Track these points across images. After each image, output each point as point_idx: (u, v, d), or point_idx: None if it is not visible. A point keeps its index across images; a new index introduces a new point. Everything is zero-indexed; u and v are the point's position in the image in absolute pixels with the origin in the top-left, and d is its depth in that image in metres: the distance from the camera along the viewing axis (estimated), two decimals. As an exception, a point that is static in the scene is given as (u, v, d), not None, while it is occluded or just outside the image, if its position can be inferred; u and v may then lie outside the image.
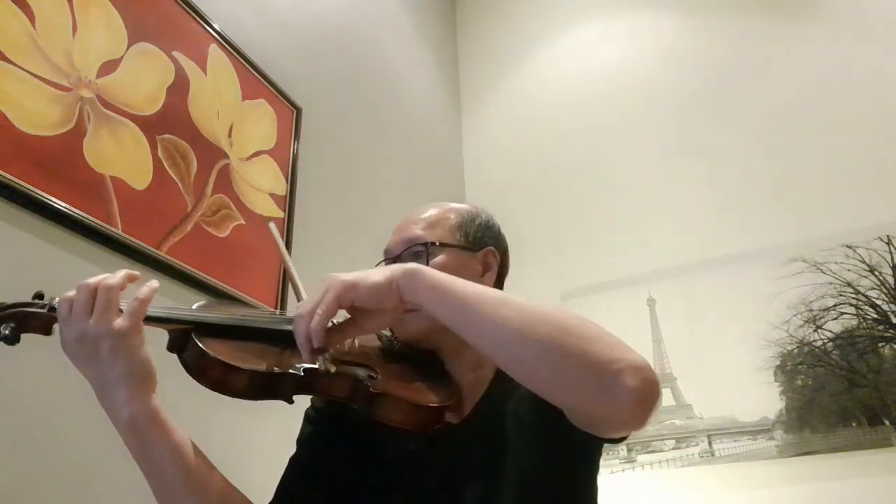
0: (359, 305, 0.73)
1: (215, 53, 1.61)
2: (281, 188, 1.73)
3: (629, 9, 2.82)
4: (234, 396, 0.73)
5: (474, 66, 3.14)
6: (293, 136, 1.83)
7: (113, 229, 1.24)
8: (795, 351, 2.03)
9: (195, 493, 0.74)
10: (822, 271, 2.07)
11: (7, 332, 0.68)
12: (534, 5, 3.06)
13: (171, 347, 0.76)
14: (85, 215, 1.18)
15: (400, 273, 0.72)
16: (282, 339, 0.77)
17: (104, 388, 0.72)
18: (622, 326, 2.49)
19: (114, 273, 0.74)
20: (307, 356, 0.71)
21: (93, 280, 0.72)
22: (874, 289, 1.99)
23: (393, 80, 2.56)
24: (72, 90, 1.23)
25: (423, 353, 0.88)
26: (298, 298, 0.83)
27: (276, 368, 0.74)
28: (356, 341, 0.84)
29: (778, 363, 2.03)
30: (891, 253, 2.00)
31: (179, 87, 1.48)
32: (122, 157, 1.31)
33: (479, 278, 0.94)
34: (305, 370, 0.73)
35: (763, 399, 2.00)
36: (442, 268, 0.88)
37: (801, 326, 2.04)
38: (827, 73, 2.32)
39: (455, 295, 0.71)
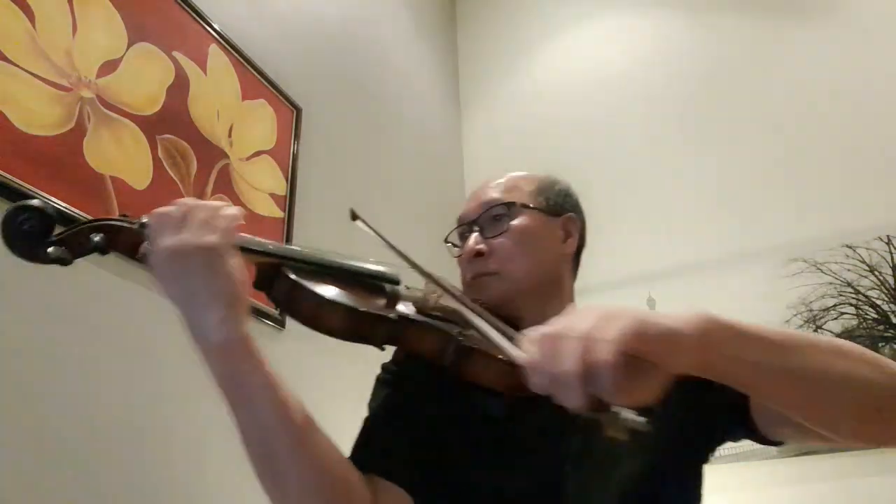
0: (648, 348, 0.51)
1: (215, 53, 1.61)
2: (281, 188, 1.73)
3: (629, 9, 2.82)
4: (327, 333, 0.71)
5: (474, 66, 3.14)
6: (293, 136, 1.83)
7: (113, 229, 1.23)
8: (795, 351, 2.02)
9: (288, 430, 0.66)
10: (822, 271, 2.07)
11: (97, 239, 0.68)
12: (534, 5, 3.06)
13: (259, 284, 0.74)
14: (85, 215, 1.18)
15: (712, 321, 0.57)
16: (371, 285, 0.75)
17: (194, 309, 0.66)
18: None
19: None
20: (579, 398, 0.49)
21: (185, 199, 0.69)
22: (874, 289, 1.99)
23: (393, 80, 2.56)
24: (72, 90, 1.23)
25: (502, 319, 0.83)
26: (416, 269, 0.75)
27: (370, 309, 0.71)
28: (438, 298, 0.80)
29: (778, 363, 2.03)
30: (891, 253, 2.00)
31: (179, 87, 1.48)
32: (122, 157, 1.31)
33: (561, 244, 0.92)
34: (399, 316, 0.71)
35: (763, 399, 1.99)
36: (523, 231, 0.87)
37: (801, 326, 2.04)
38: (827, 73, 2.32)
39: (777, 351, 0.60)
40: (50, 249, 0.66)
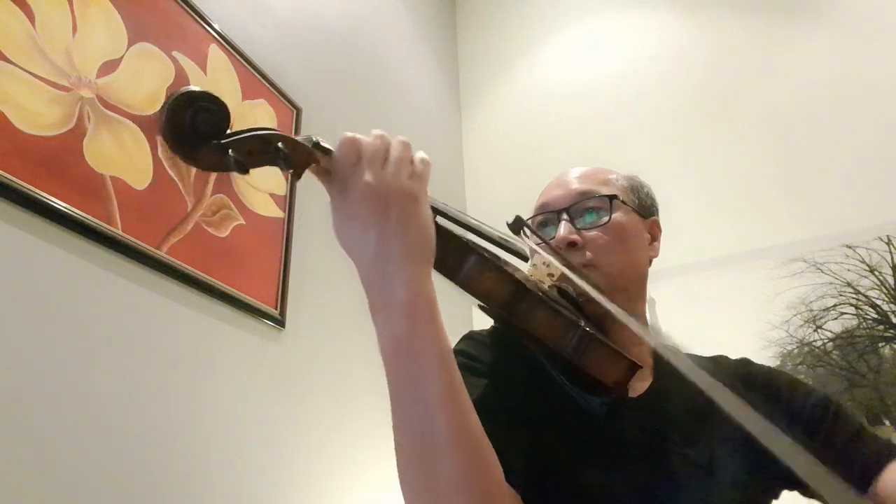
0: None
1: (215, 53, 1.61)
2: (281, 188, 1.73)
3: (630, 9, 2.82)
4: (477, 295, 0.66)
5: (474, 66, 3.14)
6: (293, 136, 1.83)
7: (113, 229, 1.23)
8: (795, 351, 2.03)
9: (454, 410, 0.57)
10: (822, 271, 2.07)
11: (283, 147, 0.57)
12: (534, 5, 3.06)
13: None
14: (85, 215, 1.18)
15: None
16: (508, 261, 0.72)
17: (382, 260, 0.58)
18: (622, 326, 2.41)
19: None
20: None
21: (384, 133, 0.62)
22: (874, 289, 1.99)
23: (393, 80, 2.56)
24: (72, 90, 1.23)
25: (591, 317, 0.80)
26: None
27: (522, 281, 0.67)
28: (555, 281, 0.77)
29: (778, 363, 2.03)
30: (891, 253, 2.00)
31: (179, 87, 1.48)
32: (122, 157, 1.31)
33: (648, 245, 0.89)
34: (543, 293, 0.68)
35: (763, 399, 1.99)
36: (622, 227, 0.84)
37: (801, 326, 2.04)
38: (827, 73, 2.32)
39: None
40: (229, 153, 0.55)
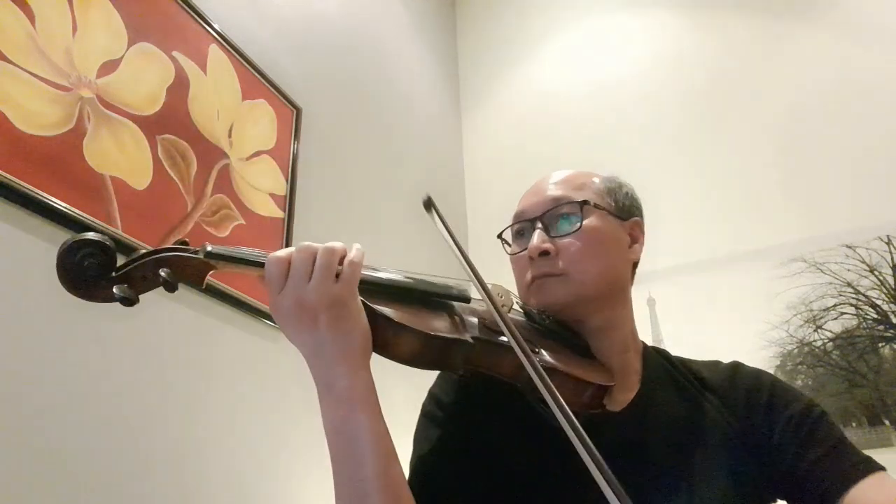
0: None
1: (215, 53, 1.61)
2: (281, 188, 1.73)
3: (630, 9, 2.82)
4: (399, 360, 0.68)
5: (474, 66, 3.14)
6: (293, 136, 1.83)
7: (113, 229, 1.23)
8: (795, 351, 2.03)
9: (386, 488, 0.63)
10: (822, 271, 2.07)
11: (165, 274, 0.62)
12: (534, 5, 3.06)
13: None
14: (85, 215, 1.18)
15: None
16: (440, 304, 0.72)
17: (321, 360, 0.65)
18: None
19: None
20: None
21: (306, 244, 0.66)
22: (874, 289, 1.99)
23: (393, 80, 2.56)
24: (72, 90, 1.23)
25: (570, 333, 0.81)
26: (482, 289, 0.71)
27: (445, 334, 0.67)
28: (508, 311, 0.77)
29: (778, 363, 2.03)
30: (891, 253, 2.00)
31: (179, 87, 1.48)
32: (122, 157, 1.31)
33: (628, 249, 0.88)
34: (474, 338, 0.68)
35: (763, 399, 1.99)
36: (595, 232, 0.82)
37: (801, 326, 2.04)
38: (827, 73, 2.32)
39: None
40: (115, 288, 0.61)
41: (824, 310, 2.03)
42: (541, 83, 2.91)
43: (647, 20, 2.76)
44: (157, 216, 1.35)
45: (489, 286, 0.72)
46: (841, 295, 2.03)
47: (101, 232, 1.19)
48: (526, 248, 0.83)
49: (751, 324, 2.08)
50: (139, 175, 1.33)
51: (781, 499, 0.80)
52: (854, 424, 1.90)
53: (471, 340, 0.68)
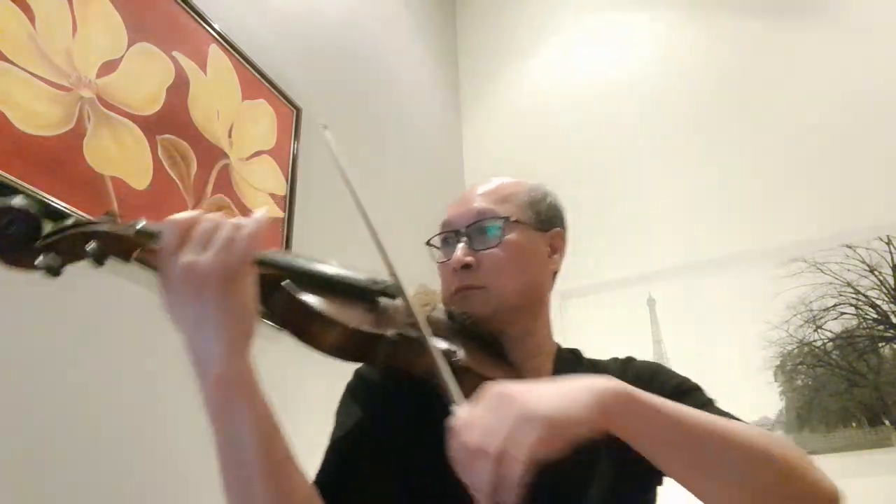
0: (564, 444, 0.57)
1: (215, 53, 1.61)
2: (281, 188, 1.73)
3: (630, 10, 2.82)
4: (320, 350, 0.69)
5: (474, 66, 3.14)
6: (293, 136, 1.83)
7: (113, 229, 1.23)
8: (795, 351, 2.03)
9: (267, 467, 0.64)
10: (822, 271, 2.07)
11: (93, 247, 0.61)
12: (534, 5, 3.06)
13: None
14: (85, 215, 1.18)
15: (613, 397, 0.59)
16: (375, 302, 0.74)
17: (199, 336, 0.63)
18: (622, 326, 2.49)
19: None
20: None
21: (214, 214, 0.65)
22: (874, 289, 1.99)
23: (393, 80, 2.56)
24: (72, 90, 1.23)
25: (486, 335, 0.84)
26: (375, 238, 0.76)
27: (369, 329, 0.69)
28: (431, 312, 0.79)
29: (778, 363, 2.03)
30: (891, 253, 2.00)
31: (179, 87, 1.48)
32: (122, 157, 1.30)
33: (547, 260, 0.91)
34: (399, 336, 0.70)
35: (763, 399, 2.00)
36: (515, 247, 0.86)
37: (801, 326, 2.04)
38: (827, 74, 2.32)
39: (679, 425, 0.61)
40: (39, 257, 0.60)
41: (824, 310, 2.03)
42: (541, 83, 2.91)
43: (648, 20, 2.76)
44: (157, 216, 1.33)
45: (421, 287, 0.76)
46: (841, 295, 2.03)
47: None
48: (450, 258, 0.87)
49: (751, 324, 2.08)
50: (139, 175, 1.33)
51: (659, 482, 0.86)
52: (854, 424, 1.90)
53: (392, 337, 0.70)
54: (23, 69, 1.15)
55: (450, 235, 0.90)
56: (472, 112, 3.06)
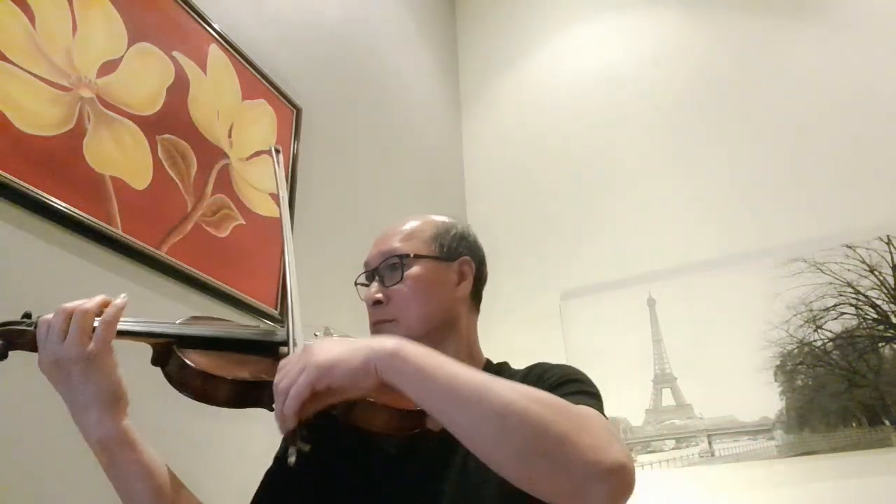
0: (335, 387, 0.68)
1: (215, 53, 1.61)
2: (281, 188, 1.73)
3: (629, 9, 2.82)
4: (218, 405, 0.75)
5: (474, 66, 3.14)
6: (293, 136, 1.83)
7: (113, 229, 1.23)
8: (795, 351, 2.03)
9: None
10: (822, 271, 2.07)
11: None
12: (534, 5, 3.06)
13: (155, 361, 0.78)
14: (85, 215, 1.18)
15: (380, 354, 0.68)
16: (262, 349, 0.79)
17: (76, 409, 0.76)
18: (622, 326, 2.49)
19: (90, 298, 0.76)
20: (282, 430, 0.69)
21: (70, 305, 0.75)
22: (874, 289, 1.99)
23: (393, 80, 2.56)
24: (72, 90, 1.23)
25: None
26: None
27: (255, 377, 0.75)
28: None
29: (778, 363, 2.03)
30: (891, 253, 2.00)
31: (179, 87, 1.48)
32: (122, 157, 1.31)
33: (455, 287, 0.97)
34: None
35: (763, 399, 2.00)
36: (416, 280, 0.93)
37: (801, 326, 2.04)
38: (826, 73, 2.32)
39: (437, 381, 0.67)
40: None
41: (824, 310, 2.03)
42: (541, 83, 2.91)
43: (648, 19, 2.76)
44: (157, 216, 1.35)
45: (326, 329, 0.86)
46: (841, 295, 2.03)
47: (102, 234, 1.20)
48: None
49: (751, 324, 2.08)
50: (139, 175, 1.33)
51: None
52: (854, 424, 1.90)
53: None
54: (23, 69, 1.15)
55: (368, 274, 0.98)
56: (472, 111, 3.06)
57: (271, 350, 0.80)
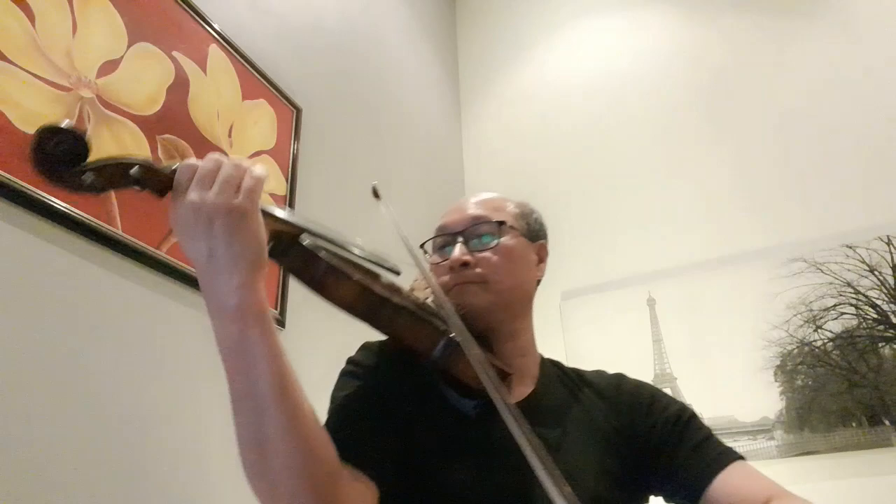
0: None
1: (215, 53, 1.61)
2: (281, 188, 1.73)
3: (630, 8, 2.82)
4: (336, 302, 0.74)
5: (474, 65, 3.14)
6: (293, 136, 1.83)
7: (113, 229, 1.23)
8: (795, 351, 2.03)
9: (282, 406, 0.65)
10: (822, 271, 2.07)
11: (135, 172, 0.66)
12: (534, 5, 3.06)
13: (273, 252, 0.74)
14: (85, 215, 1.18)
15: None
16: (372, 271, 0.80)
17: (214, 269, 0.65)
18: (622, 326, 2.49)
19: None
20: None
21: (216, 154, 0.69)
22: (874, 289, 1.99)
23: (393, 80, 2.56)
24: (72, 90, 1.23)
25: (477, 330, 0.87)
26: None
27: (381, 292, 0.75)
28: (426, 298, 0.86)
29: (778, 363, 2.03)
30: (891, 253, 2.00)
31: (179, 87, 1.48)
32: (122, 157, 1.30)
33: (535, 266, 0.98)
34: (402, 302, 0.76)
35: (763, 399, 2.00)
36: (510, 249, 0.93)
37: (801, 326, 2.04)
38: (826, 73, 2.32)
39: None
40: (84, 175, 0.63)
41: (824, 310, 2.03)
42: (541, 82, 2.91)
43: (648, 19, 2.77)
44: (157, 216, 1.35)
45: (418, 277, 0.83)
46: (841, 295, 2.03)
47: (102, 234, 1.20)
48: (446, 259, 0.93)
49: (751, 324, 2.08)
50: (139, 175, 1.33)
51: (657, 492, 0.89)
52: (854, 424, 1.90)
53: (401, 304, 0.77)
54: (23, 69, 1.15)
55: (446, 239, 0.95)
56: (472, 111, 3.06)
57: (380, 276, 0.80)
